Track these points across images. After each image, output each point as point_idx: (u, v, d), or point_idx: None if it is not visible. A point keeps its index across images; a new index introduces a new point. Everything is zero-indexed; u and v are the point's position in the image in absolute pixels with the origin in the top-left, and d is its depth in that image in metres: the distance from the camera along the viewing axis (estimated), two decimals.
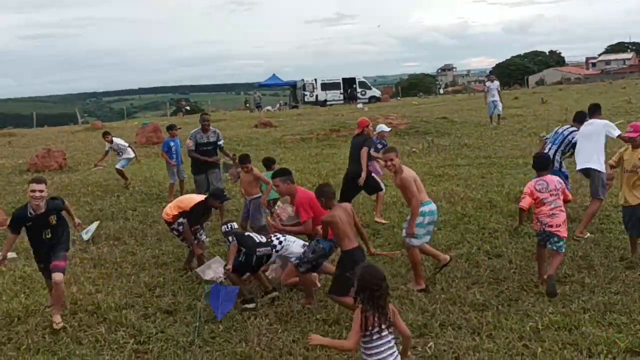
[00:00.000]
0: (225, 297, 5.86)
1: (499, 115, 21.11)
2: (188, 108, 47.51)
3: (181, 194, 10.58)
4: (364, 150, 8.86)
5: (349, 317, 5.69)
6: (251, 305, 6.09)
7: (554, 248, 6.16)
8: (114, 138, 13.63)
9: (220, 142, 10.42)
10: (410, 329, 5.32)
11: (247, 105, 50.54)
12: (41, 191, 5.83)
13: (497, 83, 21.82)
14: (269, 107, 46.42)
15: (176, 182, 12.04)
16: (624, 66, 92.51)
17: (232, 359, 5.06)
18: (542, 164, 6.50)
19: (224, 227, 6.48)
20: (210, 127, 10.42)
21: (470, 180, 11.88)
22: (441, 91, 72.11)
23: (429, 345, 5.06)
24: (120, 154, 13.51)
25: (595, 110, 8.62)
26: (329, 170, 13.84)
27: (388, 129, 11.50)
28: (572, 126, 9.01)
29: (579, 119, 8.84)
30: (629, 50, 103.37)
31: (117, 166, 13.41)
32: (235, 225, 6.61)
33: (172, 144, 12.11)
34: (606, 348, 4.81)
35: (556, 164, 8.57)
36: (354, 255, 5.35)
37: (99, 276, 7.44)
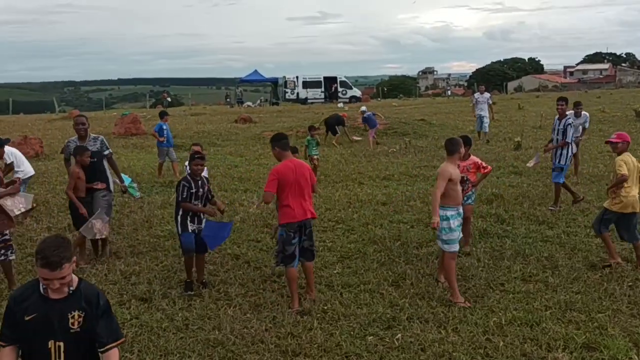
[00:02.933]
0: (218, 231, 6.64)
1: (485, 133, 18.51)
2: (170, 100, 47.19)
3: (175, 176, 12.54)
4: None
5: (321, 308, 5.86)
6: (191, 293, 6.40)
7: None
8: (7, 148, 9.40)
9: (107, 152, 7.65)
10: (379, 322, 5.53)
11: (228, 100, 50.37)
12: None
13: (487, 95, 19.03)
14: (249, 103, 46.37)
15: (166, 163, 13.45)
16: (601, 76, 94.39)
17: (204, 346, 5.17)
18: None
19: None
20: (91, 133, 7.63)
21: None
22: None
23: (396, 337, 5.23)
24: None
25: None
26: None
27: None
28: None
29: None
30: (605, 60, 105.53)
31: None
32: None
33: (164, 127, 13.38)
34: (564, 343, 5.04)
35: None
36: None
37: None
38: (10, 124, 27.28)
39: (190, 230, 6.47)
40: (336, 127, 18.99)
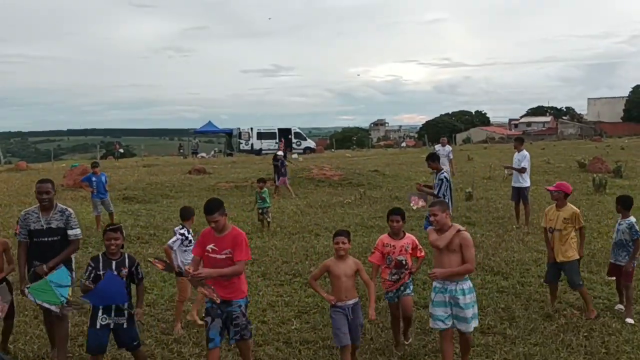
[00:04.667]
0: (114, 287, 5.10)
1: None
2: (122, 151, 46.47)
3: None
4: None
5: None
6: None
7: None
8: None
9: (71, 233, 5.87)
10: None
11: (181, 150, 50.01)
12: None
13: (448, 149, 17.40)
14: (203, 154, 46.14)
15: (102, 215, 13.19)
16: (543, 128, 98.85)
17: None
18: None
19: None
20: (58, 204, 5.97)
21: None
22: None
23: None
24: None
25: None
26: None
27: None
28: None
29: None
30: (547, 113, 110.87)
31: None
32: None
33: (94, 178, 13.25)
34: None
35: None
36: None
37: (18, 323, 7.05)
38: None
39: (98, 326, 5.16)
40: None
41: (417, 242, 6.10)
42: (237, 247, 5.18)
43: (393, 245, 5.97)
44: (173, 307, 7.34)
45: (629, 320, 6.76)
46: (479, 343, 6.24)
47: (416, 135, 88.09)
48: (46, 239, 5.72)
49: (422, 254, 6.18)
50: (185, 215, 7.18)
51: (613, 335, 6.36)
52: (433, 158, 9.87)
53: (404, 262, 5.98)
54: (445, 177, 9.42)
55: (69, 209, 5.98)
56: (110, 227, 5.29)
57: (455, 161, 19.04)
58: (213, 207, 5.15)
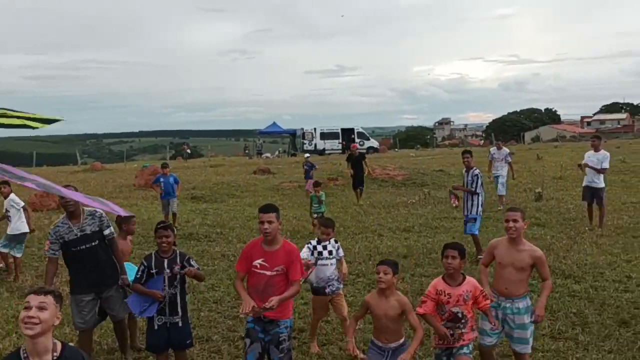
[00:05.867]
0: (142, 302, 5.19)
1: (501, 196, 15.43)
2: (189, 151, 47.91)
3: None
4: None
5: None
6: None
7: None
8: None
9: (108, 231, 5.77)
10: None
11: (247, 151, 50.94)
12: None
13: (505, 151, 15.88)
14: (267, 154, 46.85)
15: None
16: (618, 126, 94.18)
17: None
18: None
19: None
20: (84, 208, 5.66)
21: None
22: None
23: None
24: (10, 219, 9.46)
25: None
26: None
27: None
28: None
29: None
30: (623, 110, 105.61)
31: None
32: None
33: (162, 179, 13.65)
34: None
35: None
36: None
37: None
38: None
39: (156, 327, 5.18)
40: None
41: (479, 287, 4.72)
42: (293, 264, 4.70)
43: (449, 294, 4.60)
44: (239, 304, 7.49)
45: None
46: (549, 349, 6.02)
47: (483, 134, 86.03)
48: (84, 246, 5.54)
49: (488, 302, 4.77)
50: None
51: None
52: (471, 153, 10.35)
53: (459, 314, 4.61)
54: (479, 173, 10.00)
55: (98, 210, 5.65)
56: (161, 224, 5.21)
57: (515, 164, 18.06)
58: (270, 207, 4.78)
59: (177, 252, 5.25)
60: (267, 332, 4.73)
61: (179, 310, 5.16)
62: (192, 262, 5.24)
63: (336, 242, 6.20)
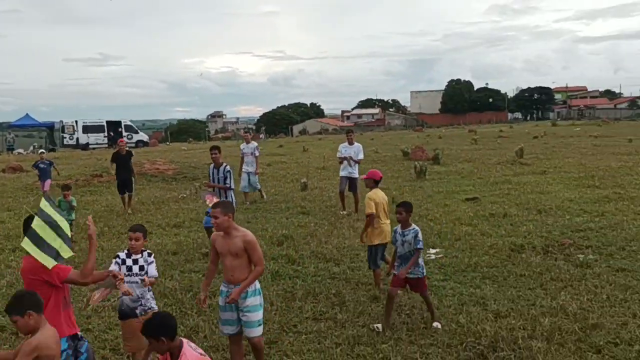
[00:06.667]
0: None
1: (259, 190, 15.54)
2: None
3: None
4: None
5: None
6: None
7: None
8: None
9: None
10: None
11: None
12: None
13: (253, 145, 15.37)
14: (20, 150, 41.97)
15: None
16: (372, 120, 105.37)
17: None
18: None
19: None
20: None
21: (237, 223, 12.10)
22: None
23: None
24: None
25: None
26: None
27: None
28: None
29: None
30: (376, 105, 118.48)
31: None
32: None
33: None
34: None
35: None
36: None
37: None
38: None
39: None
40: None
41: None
42: None
43: None
44: None
45: (436, 325, 6.43)
46: (311, 330, 6.39)
47: (254, 127, 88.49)
48: None
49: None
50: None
51: (426, 313, 6.87)
52: (219, 149, 10.95)
53: None
54: (230, 169, 10.55)
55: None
56: None
57: (284, 156, 19.16)
58: None
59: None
60: None
61: None
62: None
63: (150, 254, 5.47)
